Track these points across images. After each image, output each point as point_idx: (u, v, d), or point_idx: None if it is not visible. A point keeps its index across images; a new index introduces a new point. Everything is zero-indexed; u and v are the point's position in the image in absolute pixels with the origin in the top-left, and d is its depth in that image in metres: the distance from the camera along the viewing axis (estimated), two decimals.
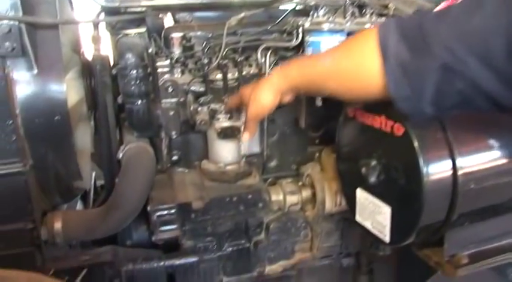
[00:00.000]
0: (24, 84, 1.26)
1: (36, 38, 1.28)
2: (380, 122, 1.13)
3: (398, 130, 1.07)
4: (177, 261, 1.48)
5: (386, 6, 1.56)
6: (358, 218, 1.28)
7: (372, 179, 1.17)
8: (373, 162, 1.17)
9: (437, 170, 1.04)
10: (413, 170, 1.04)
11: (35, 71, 1.27)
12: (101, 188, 1.84)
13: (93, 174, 1.80)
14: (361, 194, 1.25)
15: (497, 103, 0.83)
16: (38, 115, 1.28)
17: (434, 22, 0.85)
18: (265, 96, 1.19)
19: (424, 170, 1.03)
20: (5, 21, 1.19)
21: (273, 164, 1.67)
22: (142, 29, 1.47)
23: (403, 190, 1.09)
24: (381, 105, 1.12)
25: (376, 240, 1.22)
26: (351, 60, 1.00)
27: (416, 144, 1.03)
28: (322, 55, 1.14)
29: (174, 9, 1.58)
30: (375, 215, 1.20)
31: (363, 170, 1.19)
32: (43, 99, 1.28)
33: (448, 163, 1.05)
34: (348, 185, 1.35)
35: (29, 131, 1.28)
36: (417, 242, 1.19)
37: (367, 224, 1.24)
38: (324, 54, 1.14)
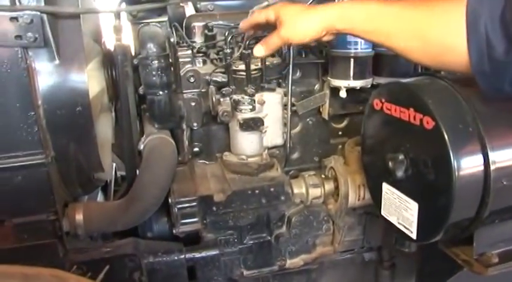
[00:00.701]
0: (46, 75, 1.25)
1: (57, 27, 1.26)
2: (408, 114, 1.09)
3: (428, 123, 1.03)
4: (198, 254, 1.47)
5: None
6: (384, 213, 1.25)
7: (399, 174, 1.13)
8: (401, 157, 1.13)
9: (468, 164, 1.01)
10: (444, 165, 1.01)
11: (57, 62, 1.25)
12: (122, 178, 1.84)
13: (114, 165, 1.79)
14: (387, 189, 1.21)
15: None
16: (59, 106, 1.27)
17: None
18: (311, 27, 1.11)
19: (455, 164, 0.99)
20: (27, 12, 1.17)
21: (295, 156, 1.64)
22: (164, 18, 1.45)
23: (431, 186, 1.06)
24: (409, 98, 1.09)
25: (402, 237, 1.19)
26: (432, 26, 0.95)
27: (447, 138, 0.99)
28: (396, 7, 1.03)
29: None
30: (401, 210, 1.16)
31: (390, 164, 1.16)
32: (65, 90, 1.26)
33: (479, 158, 1.01)
34: (373, 178, 1.31)
35: (50, 123, 1.27)
36: (445, 239, 1.15)
37: (393, 220, 1.21)
38: (399, 6, 1.02)
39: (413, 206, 1.12)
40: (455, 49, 0.92)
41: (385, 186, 1.22)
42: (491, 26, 0.85)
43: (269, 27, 1.23)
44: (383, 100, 1.19)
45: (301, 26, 1.13)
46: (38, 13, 1.18)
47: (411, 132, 1.09)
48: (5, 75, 1.20)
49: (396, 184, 1.18)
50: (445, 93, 1.08)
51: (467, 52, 0.89)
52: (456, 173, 0.99)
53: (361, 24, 1.06)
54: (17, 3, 1.17)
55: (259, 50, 1.22)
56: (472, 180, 1.01)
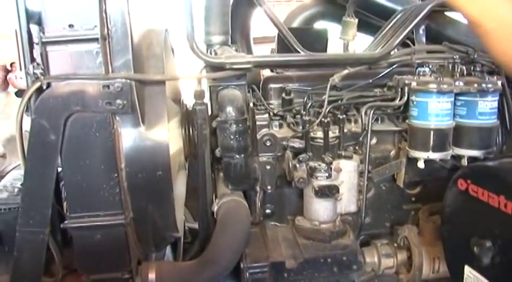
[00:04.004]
0: (130, 139, 1.30)
1: (143, 93, 1.31)
2: (498, 201, 1.05)
3: None
4: None
5: None
6: None
7: (486, 261, 1.09)
8: (488, 244, 1.09)
9: None
10: None
11: (141, 127, 1.30)
12: (189, 231, 1.85)
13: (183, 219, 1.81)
14: (469, 272, 1.17)
15: None
16: (141, 169, 1.31)
17: None
18: None
19: None
20: (118, 80, 1.22)
21: (366, 221, 1.60)
22: (243, 82, 1.47)
23: None
24: (500, 184, 1.06)
25: None
26: None
27: None
28: None
29: (277, 65, 1.57)
30: None
31: (475, 249, 1.12)
32: (147, 154, 1.30)
33: None
34: (453, 257, 1.27)
35: (132, 185, 1.31)
36: None
37: None
38: None
39: None
40: None
41: (468, 270, 1.17)
42: None
43: None
44: (469, 182, 1.15)
45: None
46: (128, 81, 1.23)
47: (501, 219, 1.05)
48: (93, 138, 1.26)
49: (481, 270, 1.13)
50: None
51: None
52: None
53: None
54: (110, 71, 1.22)
55: None
56: None
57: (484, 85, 1.37)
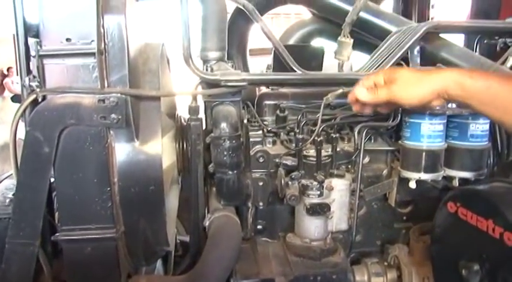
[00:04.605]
0: (123, 153, 1.30)
1: (138, 109, 1.32)
2: (487, 225, 1.06)
3: (510, 240, 1.00)
4: None
5: None
6: None
7: None
8: (476, 267, 1.10)
9: None
10: None
11: (135, 142, 1.30)
12: (180, 244, 1.85)
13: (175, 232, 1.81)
14: None
15: None
16: (134, 184, 1.31)
17: None
18: (423, 88, 1.11)
19: None
20: (114, 94, 1.23)
21: (357, 238, 1.61)
22: (237, 98, 1.48)
23: None
24: (489, 209, 1.07)
25: None
26: None
27: None
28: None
29: (272, 84, 1.59)
30: None
31: (463, 272, 1.12)
32: (140, 169, 1.31)
33: None
34: (443, 278, 1.27)
35: (124, 199, 1.31)
36: None
37: None
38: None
39: None
40: None
41: None
42: None
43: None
44: (458, 204, 1.16)
45: (414, 86, 1.13)
46: (123, 96, 1.24)
47: (489, 243, 1.05)
48: (86, 152, 1.26)
49: None
50: None
51: None
52: None
53: (479, 95, 1.06)
54: (105, 86, 1.23)
55: (362, 92, 1.20)
56: None
57: None
